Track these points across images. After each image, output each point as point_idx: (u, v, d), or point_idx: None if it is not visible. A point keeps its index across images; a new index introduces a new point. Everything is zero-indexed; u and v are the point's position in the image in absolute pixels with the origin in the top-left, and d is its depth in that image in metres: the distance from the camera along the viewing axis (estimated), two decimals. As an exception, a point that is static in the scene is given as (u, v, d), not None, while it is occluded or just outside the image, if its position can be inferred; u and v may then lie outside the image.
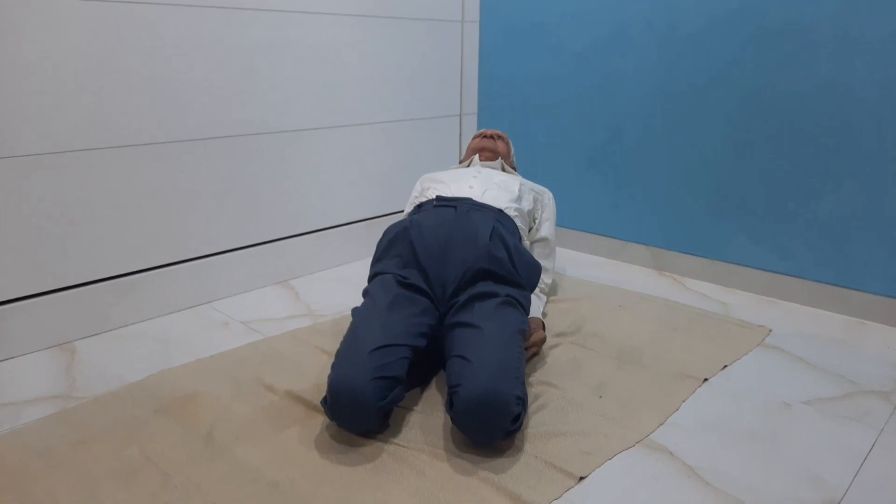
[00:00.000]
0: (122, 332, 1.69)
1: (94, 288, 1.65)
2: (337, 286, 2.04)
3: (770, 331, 1.72)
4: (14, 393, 1.39)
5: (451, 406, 1.20)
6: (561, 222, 2.38)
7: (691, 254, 2.11)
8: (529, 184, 1.83)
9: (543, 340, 1.52)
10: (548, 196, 1.87)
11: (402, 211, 2.34)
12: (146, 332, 1.69)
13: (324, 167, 2.10)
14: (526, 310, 1.47)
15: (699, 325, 1.75)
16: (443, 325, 1.42)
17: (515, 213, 1.66)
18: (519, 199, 1.71)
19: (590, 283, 2.05)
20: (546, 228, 1.81)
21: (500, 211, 1.62)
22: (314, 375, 1.46)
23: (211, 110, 1.79)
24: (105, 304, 1.67)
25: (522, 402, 1.21)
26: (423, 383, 1.45)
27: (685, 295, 1.99)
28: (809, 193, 1.85)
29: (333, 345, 1.59)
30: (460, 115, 2.50)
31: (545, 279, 1.77)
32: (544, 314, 1.71)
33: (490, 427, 1.16)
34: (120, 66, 1.60)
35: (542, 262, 1.77)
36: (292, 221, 2.05)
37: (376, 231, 2.28)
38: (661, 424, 1.30)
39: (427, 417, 1.31)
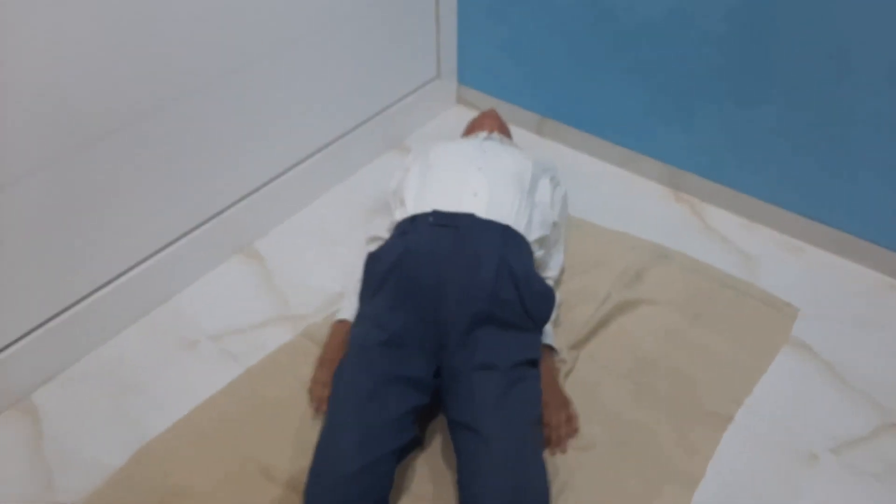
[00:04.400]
0: (75, 371, 1.49)
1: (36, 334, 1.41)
2: (310, 243, 1.78)
3: (798, 311, 1.58)
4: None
5: None
6: (564, 119, 2.02)
7: (713, 181, 1.83)
8: (542, 163, 1.55)
9: (573, 432, 1.34)
10: (559, 173, 1.59)
11: (383, 114, 1.96)
12: (101, 368, 1.50)
13: (263, 108, 1.65)
14: (538, 365, 1.31)
15: (723, 306, 1.59)
16: (441, 377, 1.27)
17: (526, 221, 1.40)
18: (532, 190, 1.46)
19: (594, 226, 1.79)
20: (558, 211, 1.55)
21: (508, 227, 1.35)
22: (309, 442, 1.34)
23: (93, 91, 1.32)
24: (53, 345, 1.45)
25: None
26: (419, 444, 1.31)
27: (704, 239, 1.78)
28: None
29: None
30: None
31: (554, 273, 1.55)
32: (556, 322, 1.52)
33: None
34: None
35: (552, 251, 1.54)
36: (239, 180, 1.69)
37: (342, 151, 1.91)
38: (687, 506, 1.25)
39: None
